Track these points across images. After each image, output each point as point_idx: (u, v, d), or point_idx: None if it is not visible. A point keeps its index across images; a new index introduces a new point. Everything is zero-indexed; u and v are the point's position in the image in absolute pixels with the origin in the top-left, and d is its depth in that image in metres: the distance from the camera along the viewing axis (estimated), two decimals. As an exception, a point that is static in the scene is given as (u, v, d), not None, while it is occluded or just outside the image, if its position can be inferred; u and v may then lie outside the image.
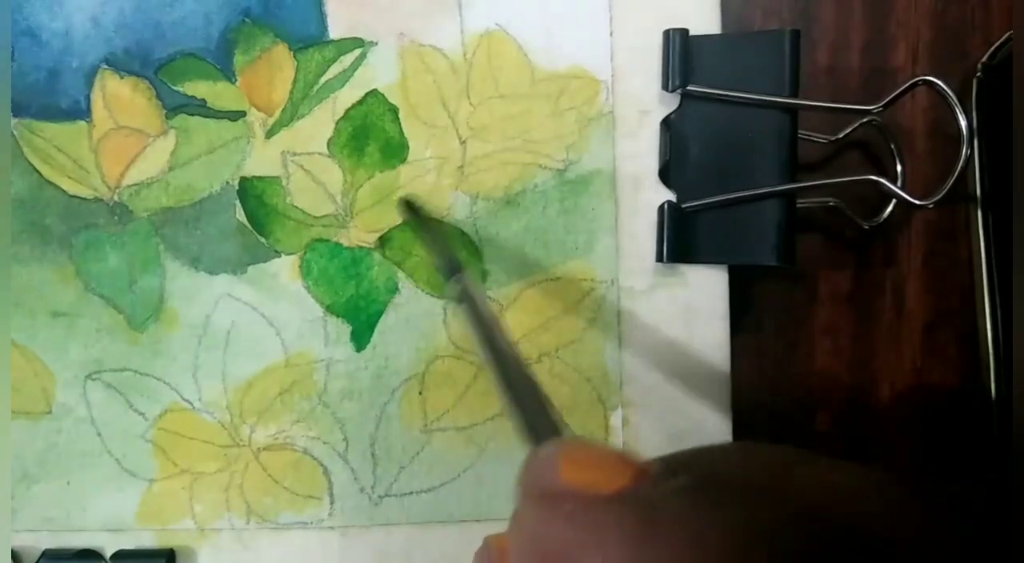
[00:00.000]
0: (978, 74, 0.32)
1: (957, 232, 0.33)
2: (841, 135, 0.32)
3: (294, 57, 0.31)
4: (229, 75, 0.31)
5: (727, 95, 0.30)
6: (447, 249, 0.27)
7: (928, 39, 0.33)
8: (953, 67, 0.33)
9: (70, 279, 0.31)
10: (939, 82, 0.27)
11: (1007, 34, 0.32)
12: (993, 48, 0.32)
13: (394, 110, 0.31)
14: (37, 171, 0.31)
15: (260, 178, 0.31)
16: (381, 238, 0.31)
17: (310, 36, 0.31)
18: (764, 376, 0.34)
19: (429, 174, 0.31)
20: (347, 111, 0.31)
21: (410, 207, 0.30)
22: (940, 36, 0.33)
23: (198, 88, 0.31)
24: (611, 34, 0.31)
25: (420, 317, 0.31)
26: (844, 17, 0.33)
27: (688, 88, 0.30)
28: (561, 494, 0.16)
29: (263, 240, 0.31)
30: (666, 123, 0.31)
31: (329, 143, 0.31)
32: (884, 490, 0.17)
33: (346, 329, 0.31)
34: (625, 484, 0.16)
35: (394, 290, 0.31)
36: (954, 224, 0.34)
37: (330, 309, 0.31)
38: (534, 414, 0.19)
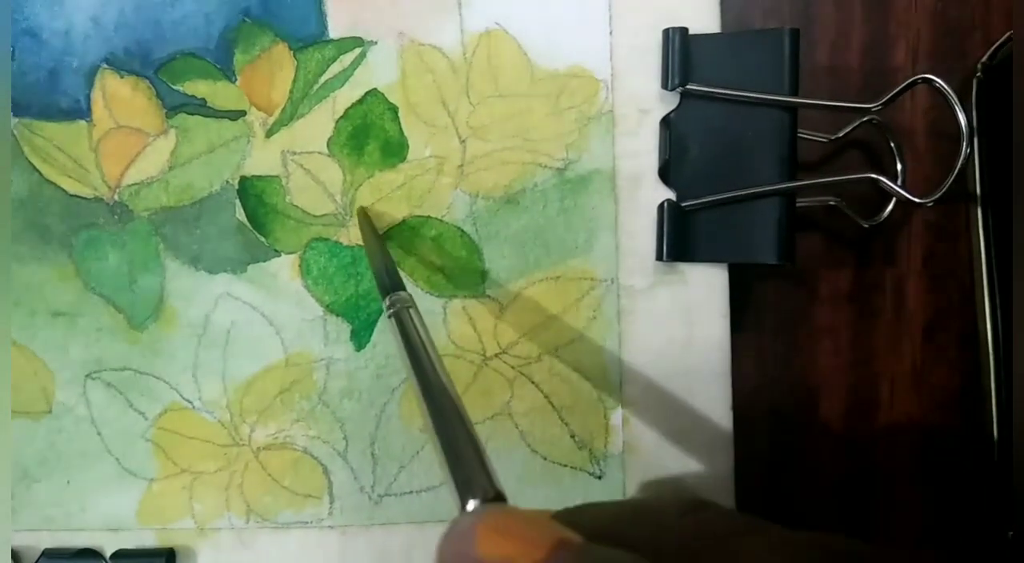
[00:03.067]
0: (978, 74, 0.32)
1: (957, 232, 0.33)
2: (841, 134, 0.32)
3: (294, 56, 0.31)
4: (229, 74, 0.31)
5: (727, 94, 0.30)
6: (389, 264, 0.26)
7: (928, 39, 0.33)
8: (953, 67, 0.33)
9: (70, 278, 0.31)
10: (938, 80, 0.27)
11: (1007, 34, 0.31)
12: (993, 48, 0.32)
13: (394, 109, 0.31)
14: (37, 171, 0.31)
15: (260, 177, 0.31)
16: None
17: (310, 35, 0.31)
18: (764, 376, 0.34)
19: (428, 173, 0.31)
20: (347, 110, 0.31)
21: (364, 218, 0.30)
22: (940, 36, 0.33)
23: (198, 87, 0.31)
24: (611, 33, 0.31)
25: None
26: (844, 17, 0.33)
27: (688, 87, 0.30)
28: None
29: (263, 239, 0.31)
30: (666, 122, 0.31)
31: (329, 142, 0.31)
32: None
33: (346, 328, 0.31)
34: (542, 557, 0.15)
35: (394, 289, 0.31)
36: (954, 224, 0.34)
37: (330, 308, 0.31)
38: (462, 462, 0.18)
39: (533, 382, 0.31)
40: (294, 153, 0.31)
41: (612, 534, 0.17)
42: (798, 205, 0.30)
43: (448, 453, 0.18)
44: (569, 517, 0.18)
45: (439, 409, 0.19)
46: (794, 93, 0.29)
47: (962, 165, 0.27)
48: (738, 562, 0.17)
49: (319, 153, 0.31)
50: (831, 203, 0.33)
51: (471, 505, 0.17)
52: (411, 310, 0.24)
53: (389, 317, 0.24)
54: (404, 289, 0.25)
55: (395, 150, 0.31)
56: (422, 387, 0.20)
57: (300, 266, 0.31)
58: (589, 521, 0.18)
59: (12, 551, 0.31)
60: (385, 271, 0.26)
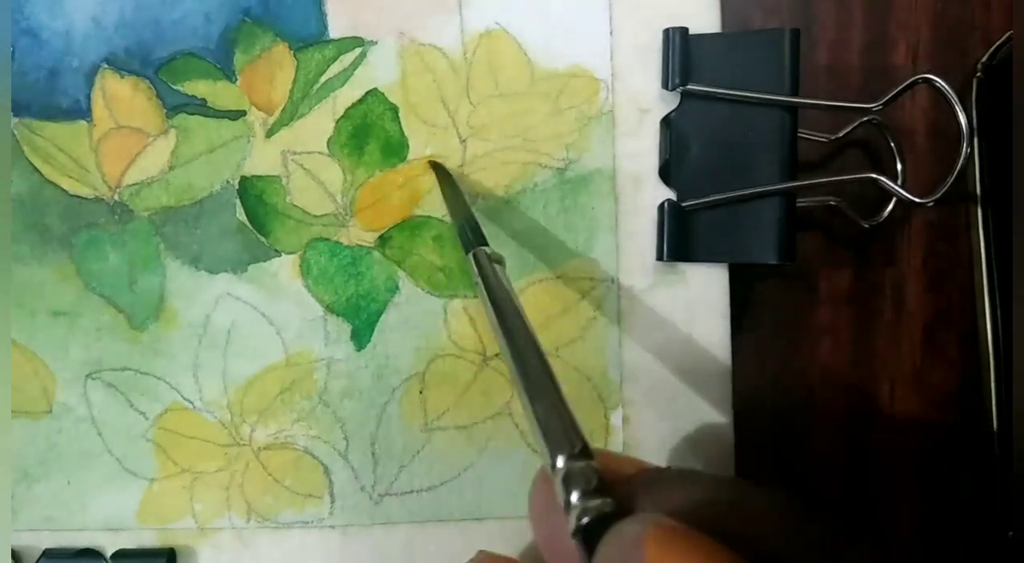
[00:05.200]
0: (978, 74, 0.32)
1: (957, 232, 0.33)
2: (841, 134, 0.32)
3: (294, 56, 0.31)
4: (229, 74, 0.31)
5: (727, 94, 0.30)
6: (470, 219, 0.27)
7: (928, 39, 0.33)
8: (953, 67, 0.33)
9: (70, 278, 0.31)
10: (938, 80, 0.27)
11: (1007, 34, 0.32)
12: (993, 48, 0.32)
13: (394, 109, 0.31)
14: (38, 171, 0.31)
15: (260, 177, 0.31)
16: (381, 237, 0.31)
17: (310, 35, 0.31)
18: (764, 376, 0.34)
19: (429, 173, 0.31)
20: (347, 110, 0.31)
21: (439, 171, 0.30)
22: (940, 36, 0.33)
23: (198, 87, 0.31)
24: (611, 33, 0.31)
25: (420, 316, 0.31)
26: (844, 17, 0.33)
27: (688, 87, 0.30)
28: None
29: (263, 239, 0.31)
30: (666, 122, 0.31)
31: (329, 142, 0.31)
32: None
33: (346, 328, 0.31)
34: None
35: (394, 289, 0.31)
36: (954, 224, 0.34)
37: (330, 308, 0.31)
38: (551, 419, 0.18)
39: (533, 382, 0.31)
40: (294, 153, 0.31)
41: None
42: (798, 205, 0.30)
43: (537, 407, 0.19)
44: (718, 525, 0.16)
45: (527, 367, 0.20)
46: (795, 93, 0.29)
47: (962, 165, 0.27)
48: None
49: (319, 153, 0.31)
50: (831, 203, 0.33)
51: (560, 461, 0.17)
52: (495, 265, 0.24)
53: (474, 274, 0.24)
54: (487, 245, 0.25)
55: (395, 150, 0.31)
56: (510, 346, 0.21)
57: (300, 266, 0.31)
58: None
59: (12, 551, 0.31)
60: (468, 227, 0.26)
